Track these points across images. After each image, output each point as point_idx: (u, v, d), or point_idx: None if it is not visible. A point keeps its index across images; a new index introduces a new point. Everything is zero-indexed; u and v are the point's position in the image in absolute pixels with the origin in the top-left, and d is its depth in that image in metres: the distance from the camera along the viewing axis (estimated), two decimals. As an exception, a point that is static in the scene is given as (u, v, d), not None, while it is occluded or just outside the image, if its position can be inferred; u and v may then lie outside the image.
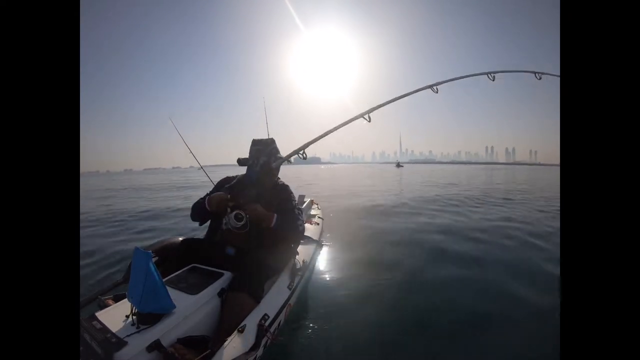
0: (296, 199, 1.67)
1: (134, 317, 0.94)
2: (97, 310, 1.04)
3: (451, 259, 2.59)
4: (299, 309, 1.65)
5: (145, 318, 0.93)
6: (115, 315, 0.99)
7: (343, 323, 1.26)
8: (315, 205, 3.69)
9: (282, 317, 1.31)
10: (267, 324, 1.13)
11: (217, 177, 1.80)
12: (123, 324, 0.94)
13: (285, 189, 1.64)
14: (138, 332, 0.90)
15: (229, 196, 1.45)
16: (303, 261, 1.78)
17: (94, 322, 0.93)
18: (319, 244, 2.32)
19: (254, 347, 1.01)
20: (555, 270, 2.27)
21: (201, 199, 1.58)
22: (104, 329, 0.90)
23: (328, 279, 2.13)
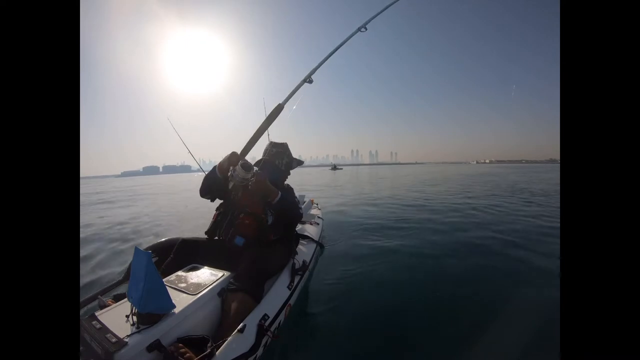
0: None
1: (134, 317, 0.94)
2: (97, 310, 1.03)
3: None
4: (299, 309, 1.64)
5: (145, 318, 0.93)
6: (115, 315, 0.98)
7: (343, 323, 1.26)
8: (315, 205, 3.68)
9: (282, 317, 1.31)
10: (267, 324, 1.13)
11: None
12: (123, 324, 0.94)
13: (289, 190, 1.82)
14: (138, 332, 0.90)
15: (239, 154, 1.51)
16: (303, 261, 1.78)
17: (94, 322, 0.93)
18: (318, 244, 2.32)
19: (254, 347, 1.01)
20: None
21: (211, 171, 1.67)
22: (104, 329, 0.90)
23: (328, 279, 2.13)
